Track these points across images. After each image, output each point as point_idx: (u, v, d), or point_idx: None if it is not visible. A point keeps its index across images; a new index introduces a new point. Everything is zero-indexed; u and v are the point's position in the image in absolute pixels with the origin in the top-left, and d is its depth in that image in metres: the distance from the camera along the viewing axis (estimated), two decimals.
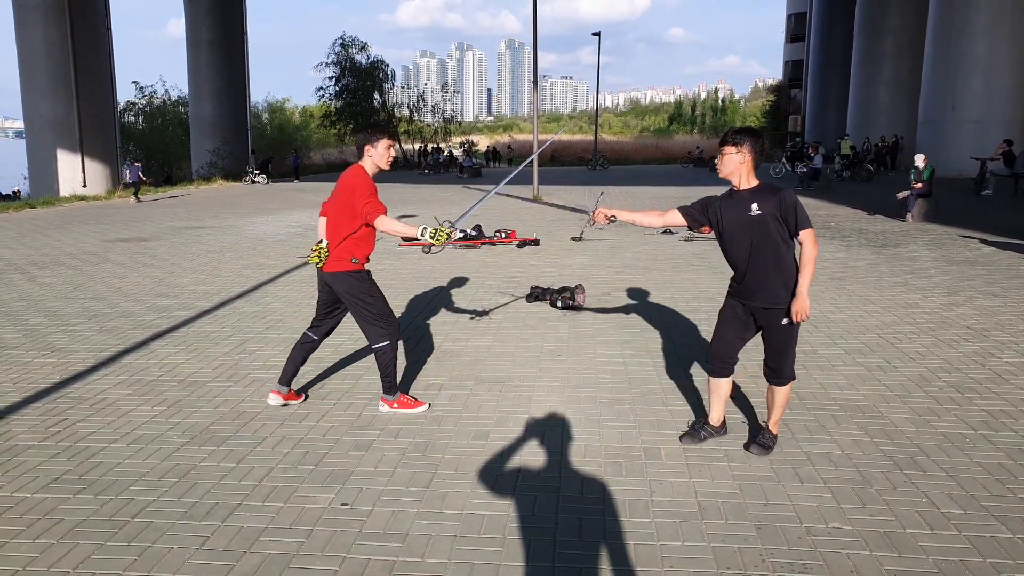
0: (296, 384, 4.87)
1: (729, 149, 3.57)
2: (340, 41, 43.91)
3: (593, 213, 4.04)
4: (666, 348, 5.63)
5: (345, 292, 4.20)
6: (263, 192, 23.30)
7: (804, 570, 2.74)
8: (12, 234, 13.22)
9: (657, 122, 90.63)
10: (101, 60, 24.31)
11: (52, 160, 23.30)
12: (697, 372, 5.03)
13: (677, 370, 5.10)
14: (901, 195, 13.53)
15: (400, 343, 5.76)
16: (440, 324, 6.43)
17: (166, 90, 42.63)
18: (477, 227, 11.68)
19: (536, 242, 11.12)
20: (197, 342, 5.94)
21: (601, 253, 10.25)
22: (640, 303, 7.15)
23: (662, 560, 2.82)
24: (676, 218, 3.85)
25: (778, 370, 3.67)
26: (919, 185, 13.25)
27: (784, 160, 32.16)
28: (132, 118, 40.83)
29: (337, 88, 43.93)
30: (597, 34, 38.51)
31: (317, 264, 4.20)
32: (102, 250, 11.05)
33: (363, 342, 5.82)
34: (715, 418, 3.92)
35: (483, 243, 11.15)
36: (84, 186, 23.19)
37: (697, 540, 2.96)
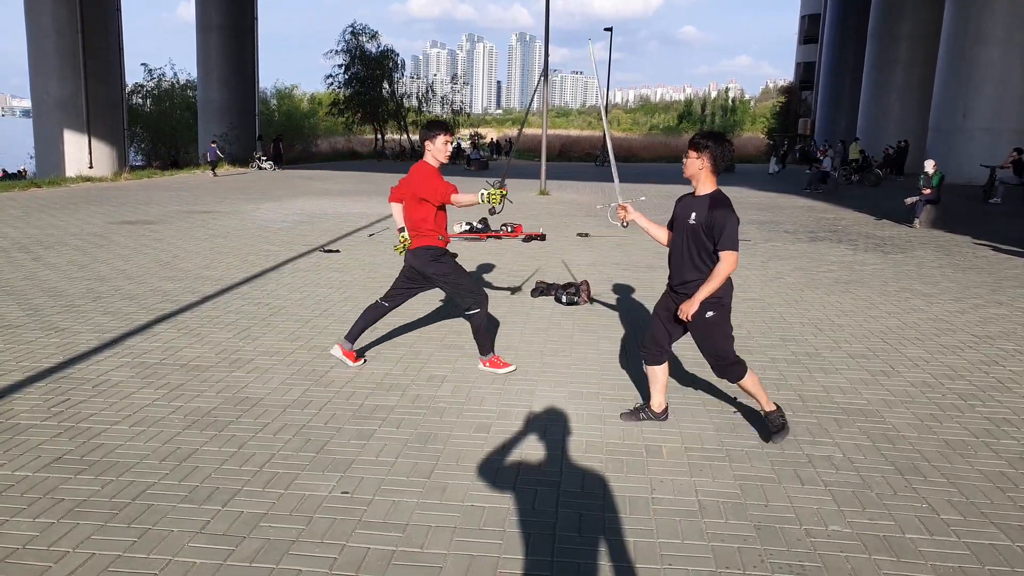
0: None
1: (691, 153, 3.70)
2: (350, 29, 43.78)
3: (618, 207, 4.09)
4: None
5: (434, 275, 4.80)
6: (270, 178, 23.30)
7: (803, 572, 2.74)
8: (17, 213, 13.24)
9: (667, 120, 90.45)
10: (110, 41, 24.24)
11: (59, 140, 23.28)
12: (699, 370, 5.02)
13: (679, 368, 5.09)
14: (909, 201, 13.47)
15: (405, 333, 5.78)
16: (444, 315, 6.43)
17: (175, 73, 42.44)
18: (483, 220, 11.67)
19: (542, 237, 11.11)
20: (200, 326, 5.95)
21: (607, 250, 10.24)
22: (644, 301, 7.14)
23: (661, 558, 2.82)
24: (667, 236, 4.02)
25: (713, 366, 3.86)
26: (928, 191, 13.19)
27: (774, 159, 32.05)
28: (140, 100, 40.76)
29: (346, 76, 43.81)
30: (609, 30, 38.32)
31: (401, 253, 4.82)
32: (107, 232, 11.07)
33: (368, 330, 5.84)
34: (655, 404, 4.12)
35: (489, 237, 11.13)
36: (91, 167, 23.18)
37: (697, 539, 2.95)
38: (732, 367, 3.81)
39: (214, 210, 14.24)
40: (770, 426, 3.86)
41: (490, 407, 4.33)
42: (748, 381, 3.83)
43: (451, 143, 4.80)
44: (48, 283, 7.44)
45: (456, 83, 50.79)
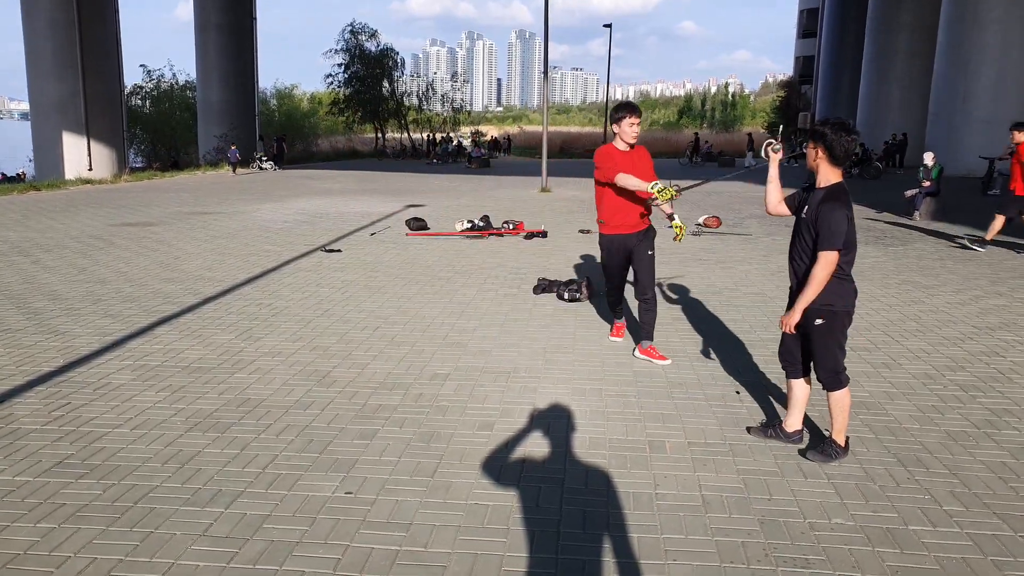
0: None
1: (809, 144, 3.49)
2: (350, 28, 43.78)
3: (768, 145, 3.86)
4: (672, 342, 5.61)
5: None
6: (271, 179, 23.30)
7: (807, 565, 2.74)
8: (16, 216, 13.25)
9: (667, 115, 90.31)
10: (108, 41, 24.24)
11: (57, 142, 23.29)
12: (700, 366, 5.02)
13: (682, 364, 5.08)
14: (909, 193, 13.45)
15: (409, 332, 5.77)
16: (448, 314, 6.43)
17: (174, 74, 42.55)
18: (485, 218, 11.67)
19: (544, 234, 11.10)
20: (202, 328, 5.95)
21: None
22: None
23: (665, 553, 2.82)
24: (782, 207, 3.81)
25: (818, 373, 3.59)
26: (927, 183, 13.17)
27: (750, 154, 31.96)
28: (139, 101, 40.78)
29: (346, 75, 43.82)
30: (608, 26, 38.29)
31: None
32: (107, 234, 11.07)
33: (370, 329, 5.84)
34: (788, 423, 3.82)
35: (490, 234, 11.13)
36: (90, 169, 23.20)
37: (701, 534, 2.95)
38: (837, 377, 3.54)
39: (215, 211, 14.24)
40: (822, 445, 3.62)
41: (493, 405, 4.33)
42: (840, 397, 3.54)
43: (636, 124, 4.88)
44: (48, 286, 7.45)
45: (456, 81, 50.77)
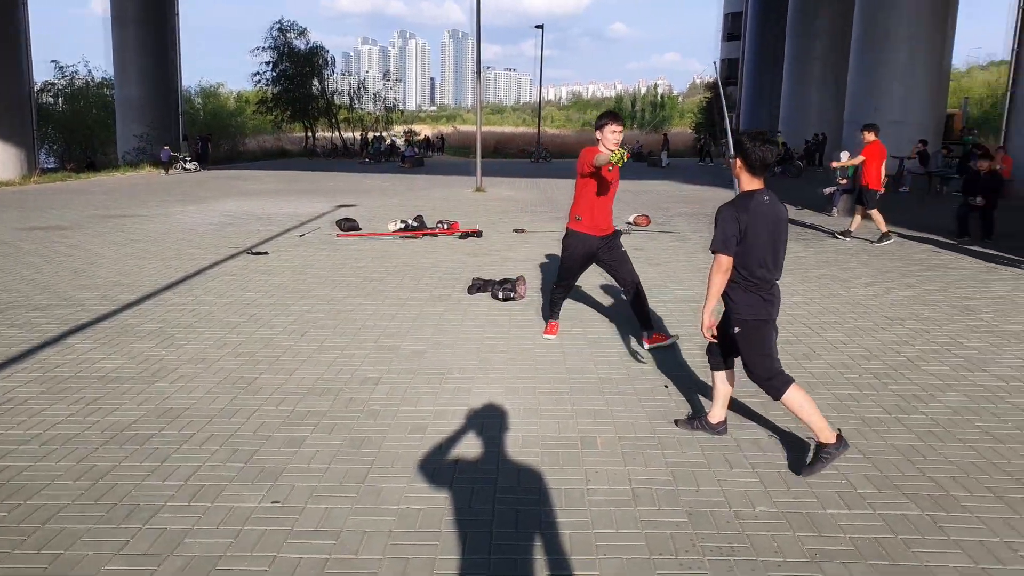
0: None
1: (732, 158, 3.52)
2: (278, 25, 42.79)
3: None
4: (604, 338, 5.69)
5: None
6: (195, 180, 22.51)
7: (732, 553, 2.81)
8: None
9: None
10: (15, 36, 22.95)
11: None
12: (630, 361, 5.10)
13: (614, 360, 5.16)
14: (827, 191, 14.02)
15: (339, 337, 5.67)
16: (380, 317, 6.34)
17: (89, 71, 40.46)
18: (418, 217, 11.57)
19: (479, 234, 11.09)
20: (119, 336, 5.70)
21: (544, 245, 10.29)
22: (580, 294, 7.21)
23: (596, 548, 2.85)
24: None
25: (752, 380, 3.59)
26: (844, 181, 13.76)
27: (665, 153, 32.75)
28: (51, 99, 38.72)
29: (274, 74, 42.83)
30: (540, 27, 38.53)
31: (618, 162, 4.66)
32: (15, 239, 10.48)
33: (298, 334, 5.72)
34: (713, 415, 3.89)
35: (424, 234, 11.04)
36: None
37: (631, 527, 3.00)
38: (769, 383, 3.50)
39: (134, 214, 13.66)
40: (813, 456, 3.49)
41: (426, 407, 4.30)
42: (787, 402, 3.47)
43: (619, 131, 5.01)
44: None
45: (389, 80, 50.18)
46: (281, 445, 3.77)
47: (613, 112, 5.20)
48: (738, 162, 3.46)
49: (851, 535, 2.94)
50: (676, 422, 4.03)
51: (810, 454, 3.57)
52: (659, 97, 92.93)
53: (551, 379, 4.77)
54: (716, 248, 3.40)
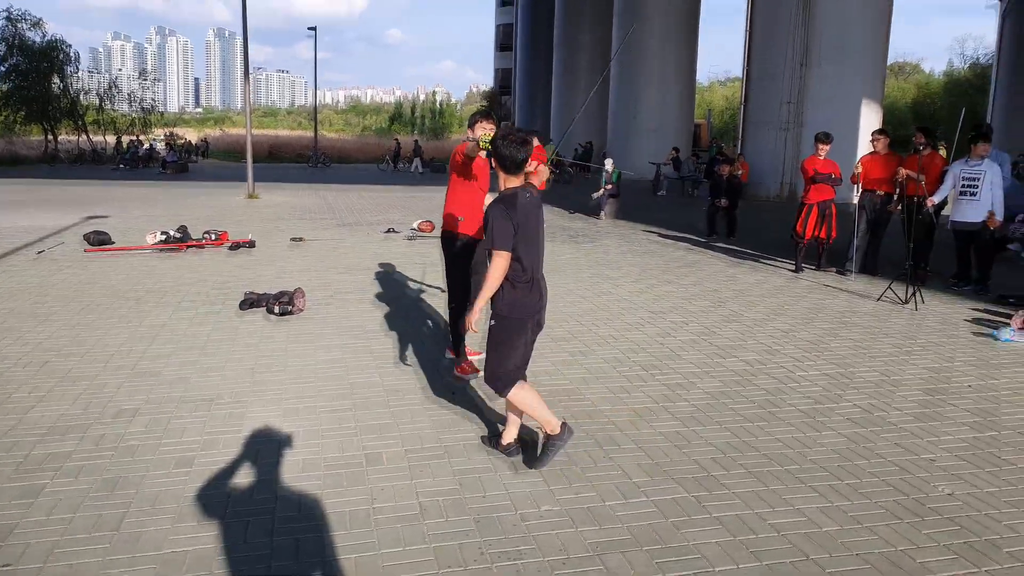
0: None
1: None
2: (6, 14, 37.08)
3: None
4: (389, 349, 5.58)
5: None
6: None
7: (519, 556, 2.86)
8: None
9: (378, 121, 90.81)
10: None
11: None
12: (413, 370, 5.05)
13: (400, 370, 5.07)
14: (595, 195, 15.11)
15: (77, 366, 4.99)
16: (136, 340, 5.68)
17: None
18: (182, 228, 10.59)
19: (252, 244, 10.40)
20: None
21: (323, 254, 9.92)
22: (363, 304, 7.02)
23: (383, 569, 2.75)
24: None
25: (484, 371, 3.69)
26: (609, 186, 14.91)
27: (419, 160, 33.67)
28: None
29: (4, 68, 37.10)
30: (313, 29, 37.32)
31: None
32: None
33: (35, 366, 4.94)
34: (506, 437, 3.81)
35: (189, 246, 10.13)
36: None
37: (419, 543, 2.94)
38: (494, 381, 3.58)
39: None
40: (540, 448, 3.65)
41: (193, 438, 3.90)
42: (515, 399, 3.55)
43: (482, 129, 4.84)
44: None
45: (145, 79, 45.51)
46: (13, 497, 3.21)
47: (486, 111, 5.24)
48: (495, 162, 3.56)
49: (628, 524, 3.12)
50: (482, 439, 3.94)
51: (539, 446, 3.70)
52: (438, 104, 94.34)
53: (333, 396, 4.57)
54: (497, 245, 3.43)
